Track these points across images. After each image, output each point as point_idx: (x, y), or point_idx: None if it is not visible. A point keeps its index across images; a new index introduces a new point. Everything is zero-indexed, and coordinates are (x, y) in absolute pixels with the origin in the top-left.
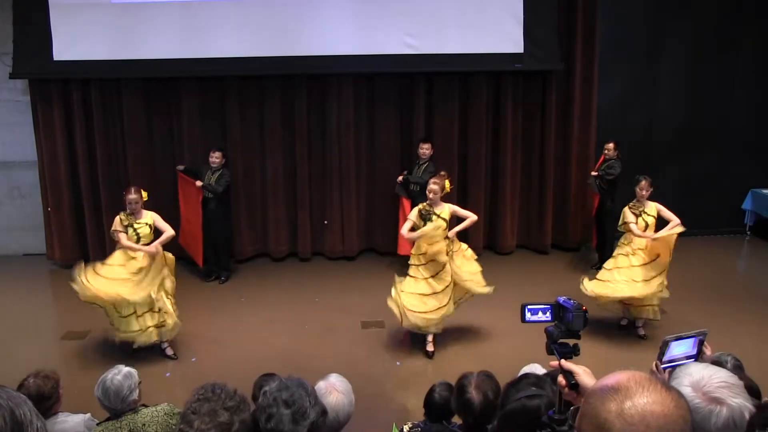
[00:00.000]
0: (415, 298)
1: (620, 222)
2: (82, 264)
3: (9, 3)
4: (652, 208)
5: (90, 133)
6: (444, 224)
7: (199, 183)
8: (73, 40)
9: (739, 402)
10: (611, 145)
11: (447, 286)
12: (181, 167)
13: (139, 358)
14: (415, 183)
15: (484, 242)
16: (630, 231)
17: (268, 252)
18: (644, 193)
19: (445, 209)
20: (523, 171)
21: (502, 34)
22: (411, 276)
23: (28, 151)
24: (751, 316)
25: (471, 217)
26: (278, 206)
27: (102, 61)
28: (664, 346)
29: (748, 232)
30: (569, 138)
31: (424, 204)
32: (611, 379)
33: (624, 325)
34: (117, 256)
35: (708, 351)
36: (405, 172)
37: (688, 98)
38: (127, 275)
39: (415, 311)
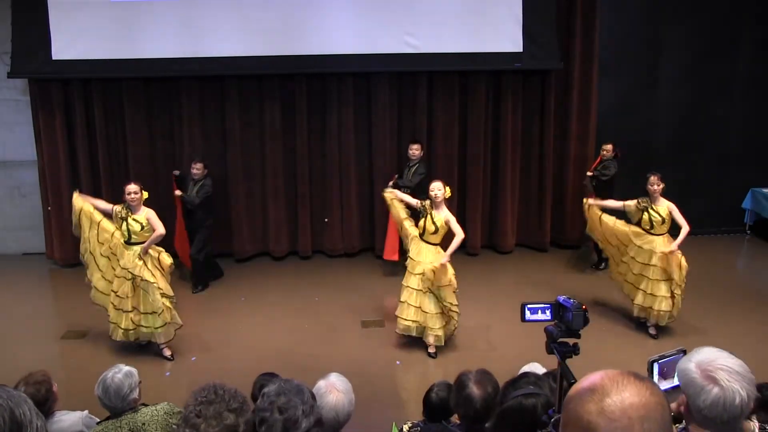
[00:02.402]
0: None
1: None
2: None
3: (8, 2)
4: (664, 207)
5: (90, 132)
6: (433, 228)
7: (178, 192)
8: (73, 39)
9: (734, 387)
10: (609, 146)
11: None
12: (177, 172)
13: (140, 357)
14: (404, 187)
15: (484, 241)
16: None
17: (269, 251)
18: (655, 188)
19: (442, 215)
20: (522, 170)
21: (501, 33)
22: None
23: (28, 151)
24: (751, 316)
25: (458, 236)
26: (278, 205)
27: (101, 61)
28: (651, 367)
29: (748, 232)
30: (568, 137)
31: (425, 202)
32: (586, 381)
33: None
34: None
35: None
36: (396, 176)
37: (688, 98)
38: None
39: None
